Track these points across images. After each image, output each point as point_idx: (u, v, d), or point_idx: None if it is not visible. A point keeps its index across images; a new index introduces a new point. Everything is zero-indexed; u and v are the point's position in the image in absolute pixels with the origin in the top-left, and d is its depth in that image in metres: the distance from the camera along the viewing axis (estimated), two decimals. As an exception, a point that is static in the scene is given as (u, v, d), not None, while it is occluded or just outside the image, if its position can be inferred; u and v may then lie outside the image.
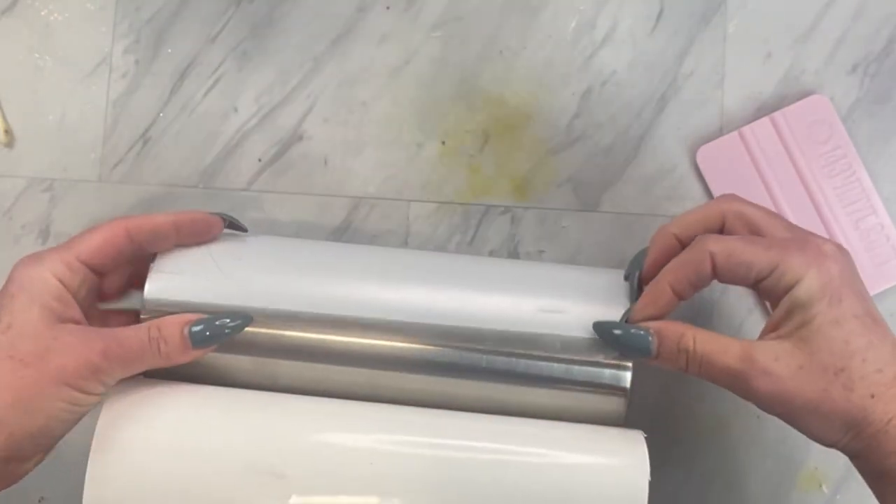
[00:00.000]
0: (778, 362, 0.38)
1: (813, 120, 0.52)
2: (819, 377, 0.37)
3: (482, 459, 0.41)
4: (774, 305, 0.40)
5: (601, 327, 0.42)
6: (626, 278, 0.44)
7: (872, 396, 0.37)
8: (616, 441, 0.42)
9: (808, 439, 0.39)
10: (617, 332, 0.41)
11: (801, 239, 0.39)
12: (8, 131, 0.53)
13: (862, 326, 0.38)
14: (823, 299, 0.37)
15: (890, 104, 0.52)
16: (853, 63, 0.53)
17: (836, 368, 0.37)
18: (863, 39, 0.53)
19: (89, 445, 0.41)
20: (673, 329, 0.40)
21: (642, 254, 0.44)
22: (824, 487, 0.50)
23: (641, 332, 0.41)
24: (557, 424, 0.43)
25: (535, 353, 0.43)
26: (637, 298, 0.42)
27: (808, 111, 0.52)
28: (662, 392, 0.51)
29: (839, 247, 0.40)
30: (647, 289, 0.42)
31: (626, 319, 0.42)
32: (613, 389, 0.43)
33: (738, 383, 0.38)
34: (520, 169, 0.53)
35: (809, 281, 0.38)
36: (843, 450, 0.39)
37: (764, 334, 0.40)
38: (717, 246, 0.39)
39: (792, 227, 0.41)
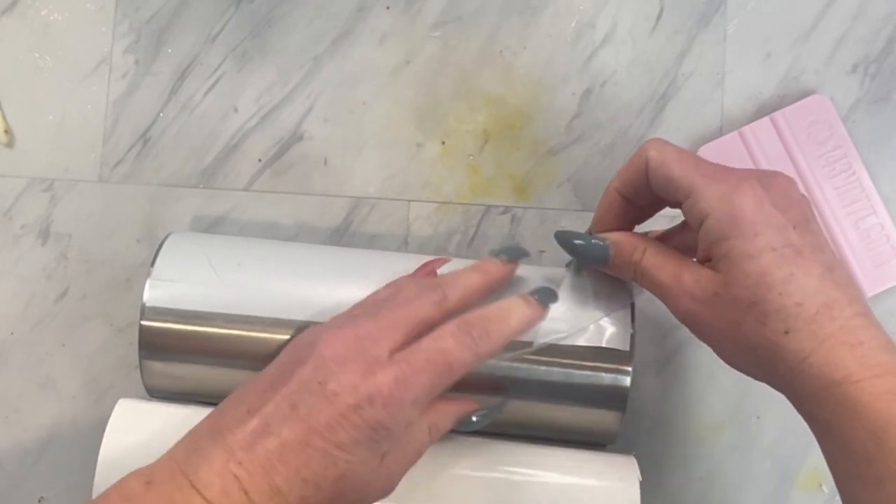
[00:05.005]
0: (698, 285, 0.38)
1: (813, 120, 0.52)
2: (731, 308, 0.37)
3: (477, 477, 0.42)
4: (698, 231, 0.39)
5: (563, 237, 0.43)
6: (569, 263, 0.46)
7: (786, 332, 0.36)
8: (609, 465, 0.43)
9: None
10: (577, 241, 0.43)
11: (726, 171, 0.39)
12: (8, 131, 0.53)
13: (780, 258, 0.36)
14: (735, 233, 0.37)
15: (890, 104, 0.52)
16: (853, 63, 0.53)
17: (749, 301, 0.36)
18: (863, 39, 0.53)
19: (88, 446, 0.41)
20: (628, 241, 0.42)
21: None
22: (824, 487, 0.50)
23: (599, 243, 0.42)
24: (552, 448, 0.44)
25: (536, 358, 0.43)
26: (577, 270, 0.45)
27: (808, 111, 0.52)
28: (662, 394, 0.51)
29: (772, 180, 0.38)
30: (599, 201, 0.43)
31: (588, 230, 0.44)
32: (613, 392, 0.43)
33: (666, 299, 0.39)
34: (520, 169, 0.53)
35: (718, 215, 0.37)
36: (772, 386, 0.38)
37: (698, 260, 0.40)
38: (655, 152, 0.39)
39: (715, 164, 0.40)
